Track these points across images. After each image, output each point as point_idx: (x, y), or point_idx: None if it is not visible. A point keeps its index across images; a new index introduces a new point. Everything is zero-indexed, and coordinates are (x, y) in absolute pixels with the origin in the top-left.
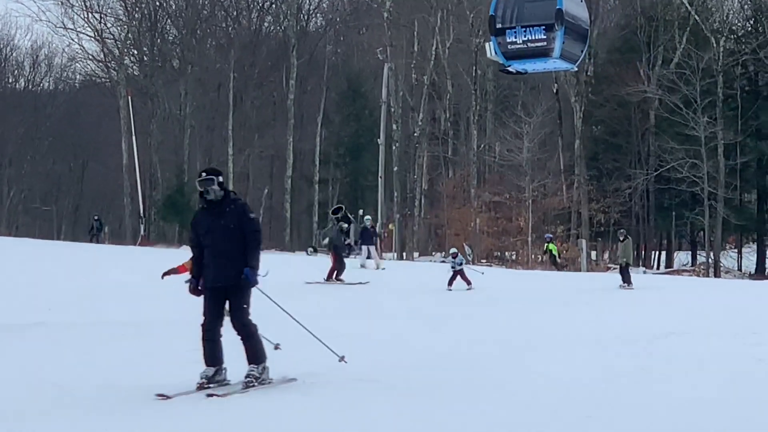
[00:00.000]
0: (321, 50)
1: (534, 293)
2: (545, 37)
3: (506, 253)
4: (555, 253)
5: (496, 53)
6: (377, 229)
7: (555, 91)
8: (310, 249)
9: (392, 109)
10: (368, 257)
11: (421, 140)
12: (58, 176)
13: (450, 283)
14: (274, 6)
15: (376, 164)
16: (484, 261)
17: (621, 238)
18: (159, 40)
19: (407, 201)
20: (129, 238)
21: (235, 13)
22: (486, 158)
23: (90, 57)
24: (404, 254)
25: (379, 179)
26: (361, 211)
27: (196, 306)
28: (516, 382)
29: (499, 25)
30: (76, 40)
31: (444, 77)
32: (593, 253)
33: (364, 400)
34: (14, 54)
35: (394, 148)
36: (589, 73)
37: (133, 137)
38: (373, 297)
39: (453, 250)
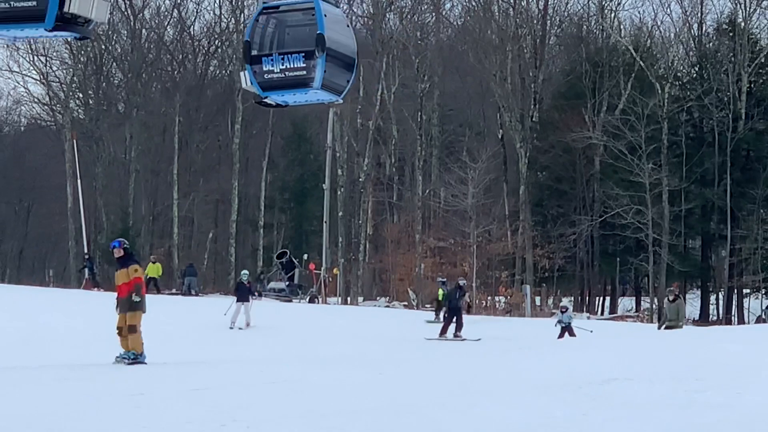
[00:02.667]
0: None
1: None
2: (305, 65)
3: None
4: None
5: (251, 83)
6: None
7: (500, 136)
8: (255, 293)
9: (337, 154)
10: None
11: (366, 185)
12: (2, 219)
13: (560, 337)
14: (219, 51)
15: (321, 209)
16: (428, 306)
17: (671, 298)
18: (104, 84)
19: (352, 245)
20: (74, 281)
21: (180, 57)
22: (431, 203)
23: (35, 100)
24: (348, 299)
25: (324, 224)
26: (305, 256)
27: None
28: (456, 427)
29: (254, 52)
30: (21, 83)
31: (389, 122)
32: (537, 299)
33: None
34: None
35: (339, 192)
36: (534, 119)
37: (78, 180)
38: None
39: (563, 304)
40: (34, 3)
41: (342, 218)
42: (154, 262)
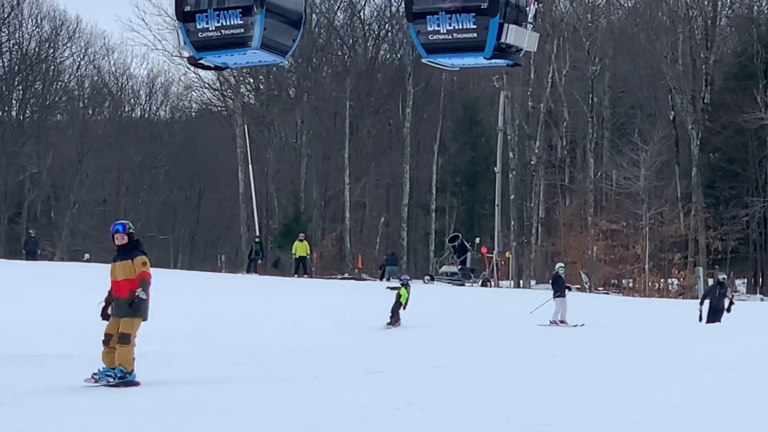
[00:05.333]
0: (437, 78)
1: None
2: (242, 22)
3: (623, 281)
4: (404, 300)
5: (185, 43)
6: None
7: (672, 118)
8: (427, 277)
9: (508, 137)
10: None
11: (537, 168)
12: (174, 205)
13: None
14: (389, 35)
15: (492, 192)
16: (600, 289)
17: None
18: (275, 69)
19: (524, 229)
20: (245, 266)
21: (350, 41)
22: (603, 186)
23: (206, 86)
24: (521, 282)
25: (496, 207)
26: (477, 239)
27: (312, 334)
28: (634, 410)
29: (187, 8)
30: (192, 68)
31: (560, 104)
32: (710, 281)
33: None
34: (130, 83)
35: (510, 175)
36: (705, 101)
37: (250, 165)
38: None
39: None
40: (475, 35)
41: (514, 201)
42: (301, 240)
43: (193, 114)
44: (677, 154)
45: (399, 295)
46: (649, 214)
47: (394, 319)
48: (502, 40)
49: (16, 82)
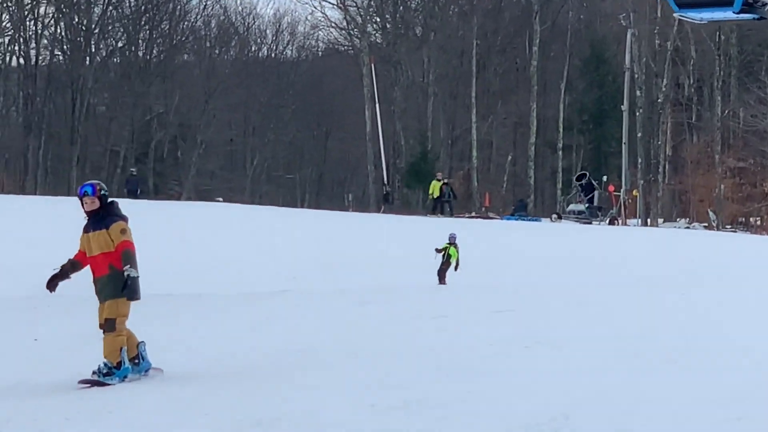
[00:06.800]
0: (564, 16)
1: None
2: None
3: (751, 219)
4: (454, 260)
5: None
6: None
7: None
8: (555, 215)
9: (635, 75)
10: None
11: (664, 106)
12: (301, 144)
13: None
14: None
15: (619, 130)
16: (728, 227)
17: None
18: (401, 8)
19: (651, 167)
20: (372, 205)
21: None
22: (730, 124)
23: (333, 25)
24: (648, 220)
25: (623, 145)
26: (604, 177)
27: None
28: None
29: None
30: (318, 8)
31: (687, 43)
32: None
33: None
34: (257, 23)
35: (637, 113)
36: None
37: (377, 104)
38: None
39: None
40: None
41: (641, 139)
42: (439, 180)
43: (320, 53)
44: None
45: (448, 255)
46: None
47: (442, 282)
48: None
49: (143, 22)
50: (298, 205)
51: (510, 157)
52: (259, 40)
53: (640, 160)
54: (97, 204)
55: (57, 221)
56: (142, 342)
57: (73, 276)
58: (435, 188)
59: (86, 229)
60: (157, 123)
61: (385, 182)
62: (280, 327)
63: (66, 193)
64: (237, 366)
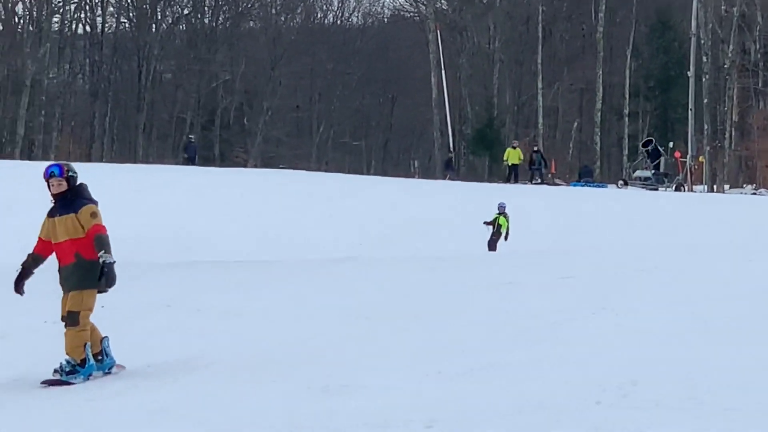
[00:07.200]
0: None
1: None
2: None
3: None
4: (504, 230)
5: None
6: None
7: None
8: (621, 182)
9: (702, 41)
10: None
11: (731, 72)
12: (367, 111)
13: None
14: None
15: (685, 96)
16: None
17: None
18: None
19: (717, 133)
20: (438, 172)
21: None
22: None
23: None
24: (714, 186)
25: (689, 111)
26: (671, 144)
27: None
28: None
29: None
30: None
31: (754, 8)
32: None
33: None
34: None
35: (703, 79)
36: None
37: (443, 71)
38: None
39: None
40: None
41: (707, 105)
42: (515, 147)
43: (386, 20)
44: None
45: (498, 225)
46: None
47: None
48: None
49: None
50: (364, 171)
51: (576, 124)
52: (324, 6)
53: (706, 127)
54: (64, 186)
55: (124, 189)
56: (106, 337)
57: (36, 271)
58: (511, 156)
59: (51, 214)
60: (223, 90)
61: (451, 149)
62: (346, 294)
63: (132, 160)
64: (305, 332)
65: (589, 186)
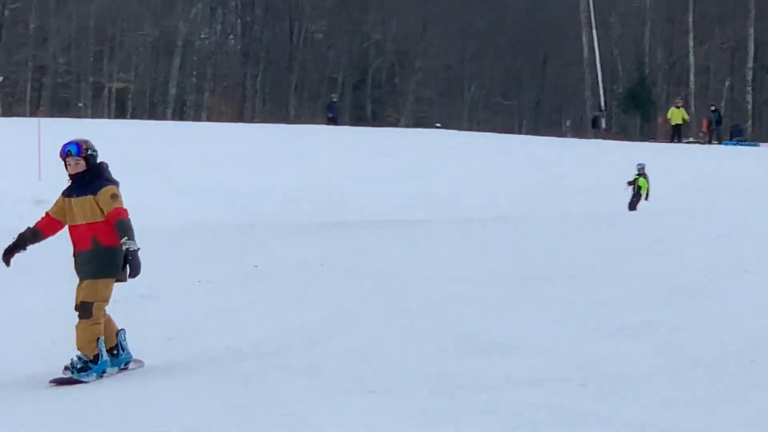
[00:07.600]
0: None
1: None
2: None
3: None
4: (644, 191)
5: None
6: None
7: None
8: None
9: None
10: None
11: None
12: (518, 71)
13: None
14: None
15: None
16: None
17: None
18: None
19: None
20: (590, 131)
21: None
22: None
23: None
24: None
25: None
26: None
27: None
28: None
29: None
30: None
31: None
32: None
33: None
34: None
35: None
36: None
37: (594, 30)
38: None
39: None
40: None
41: None
42: (678, 107)
43: None
44: None
45: (638, 187)
46: None
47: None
48: None
49: None
50: (516, 131)
51: (727, 83)
52: None
53: None
54: (82, 166)
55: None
56: (122, 330)
57: (30, 248)
58: (674, 115)
59: (67, 194)
60: (375, 50)
61: (602, 108)
62: (497, 253)
63: (285, 120)
64: (460, 292)
65: (741, 145)
